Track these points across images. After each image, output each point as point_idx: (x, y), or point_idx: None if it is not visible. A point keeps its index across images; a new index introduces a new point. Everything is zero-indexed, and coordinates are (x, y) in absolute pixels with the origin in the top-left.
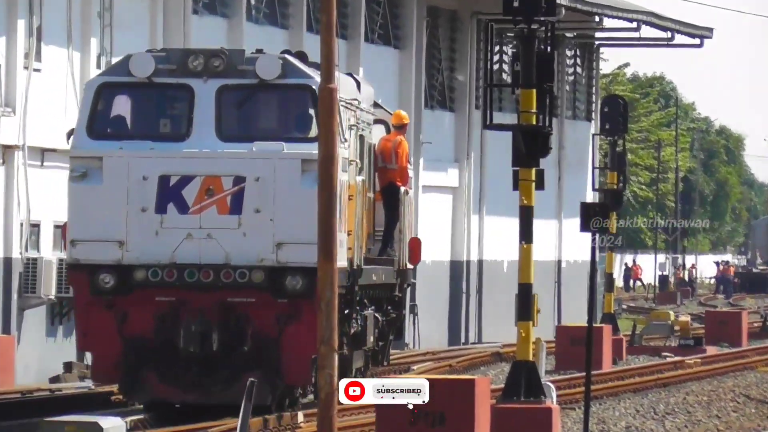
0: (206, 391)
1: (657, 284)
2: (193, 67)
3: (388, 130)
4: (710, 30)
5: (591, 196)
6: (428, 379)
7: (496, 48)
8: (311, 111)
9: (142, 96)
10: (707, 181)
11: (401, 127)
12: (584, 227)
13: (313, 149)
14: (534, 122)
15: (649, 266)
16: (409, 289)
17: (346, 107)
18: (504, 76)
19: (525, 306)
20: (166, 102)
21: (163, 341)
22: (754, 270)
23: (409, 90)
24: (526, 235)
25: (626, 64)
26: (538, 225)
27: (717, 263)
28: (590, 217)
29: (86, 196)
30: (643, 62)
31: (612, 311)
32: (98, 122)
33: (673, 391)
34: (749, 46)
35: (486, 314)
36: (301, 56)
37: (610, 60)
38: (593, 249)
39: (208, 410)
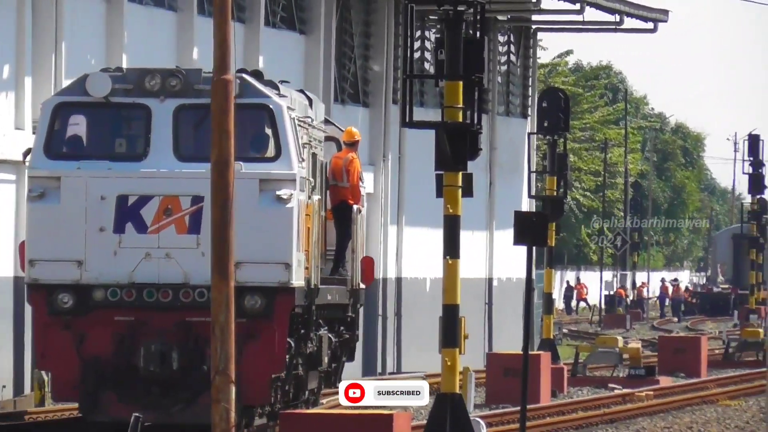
0: (166, 412)
1: (603, 305)
2: (149, 87)
3: (339, 147)
4: (665, 12)
5: (527, 205)
6: (339, 415)
7: (417, 33)
8: (268, 130)
9: (99, 116)
10: (662, 187)
11: (353, 144)
12: (519, 240)
13: (271, 168)
14: (461, 119)
15: (595, 284)
16: (361, 309)
17: (300, 125)
18: (426, 66)
19: (450, 331)
20: (124, 122)
21: (123, 361)
22: (715, 289)
23: (317, 82)
24: (451, 248)
25: (568, 53)
26: (466, 237)
27: (663, 281)
28: (525, 228)
29: (44, 215)
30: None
31: (551, 336)
32: (55, 142)
33: (622, 428)
34: (709, 31)
35: (406, 340)
36: (257, 75)
37: (549, 48)
38: (529, 264)
39: (167, 430)
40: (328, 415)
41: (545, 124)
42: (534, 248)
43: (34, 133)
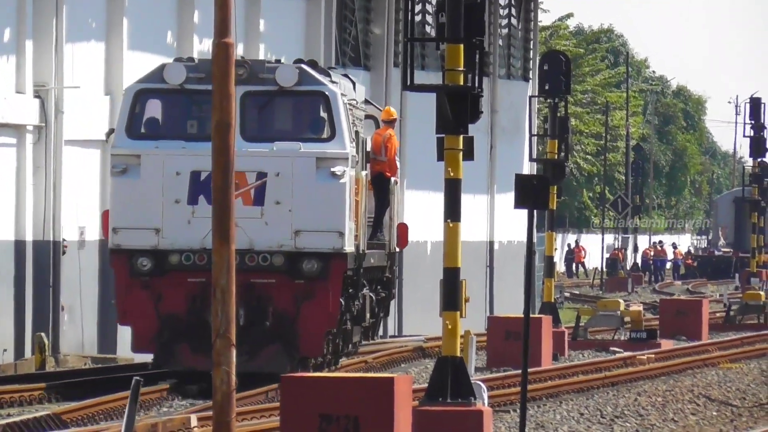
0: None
1: (604, 269)
2: None
3: (377, 125)
4: None
5: (528, 168)
6: (340, 378)
7: None
8: (324, 114)
9: (174, 101)
10: (663, 151)
11: (390, 122)
12: (520, 203)
13: (326, 148)
14: (462, 82)
15: (596, 248)
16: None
17: (350, 108)
18: (427, 29)
19: (451, 294)
20: (196, 106)
21: (195, 317)
22: (717, 252)
23: (318, 45)
24: (452, 212)
25: (569, 15)
26: (467, 201)
27: (654, 244)
28: (526, 191)
29: (126, 189)
30: (588, 13)
31: (552, 300)
32: (135, 124)
33: (623, 391)
34: None
35: (407, 304)
36: (312, 64)
37: (550, 10)
38: (530, 228)
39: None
40: (329, 379)
41: (546, 87)
42: (535, 212)
43: (35, 96)
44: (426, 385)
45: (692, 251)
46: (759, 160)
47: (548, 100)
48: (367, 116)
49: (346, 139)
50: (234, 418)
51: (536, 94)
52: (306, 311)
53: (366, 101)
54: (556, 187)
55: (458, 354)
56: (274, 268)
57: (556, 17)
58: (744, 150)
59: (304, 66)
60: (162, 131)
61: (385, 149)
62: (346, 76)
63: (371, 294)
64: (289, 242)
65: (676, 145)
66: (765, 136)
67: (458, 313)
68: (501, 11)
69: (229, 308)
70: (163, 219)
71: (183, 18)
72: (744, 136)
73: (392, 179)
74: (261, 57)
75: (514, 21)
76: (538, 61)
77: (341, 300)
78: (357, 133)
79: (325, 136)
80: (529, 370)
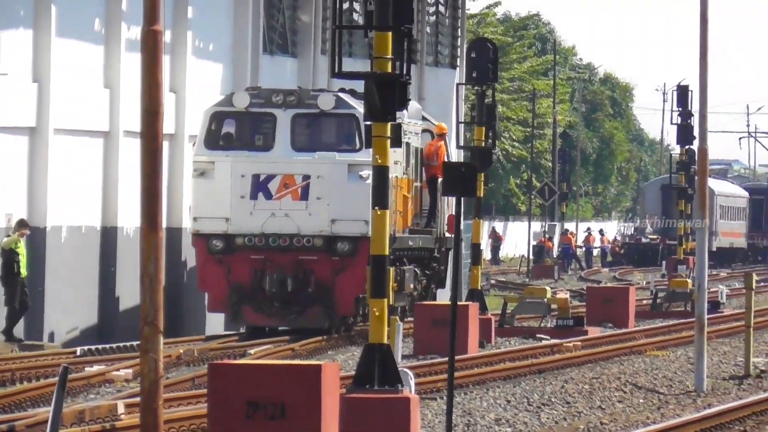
0: (284, 319)
1: (531, 256)
2: (275, 101)
3: (432, 137)
4: None
5: (455, 155)
6: (267, 366)
7: None
8: (355, 131)
9: (241, 120)
10: (590, 138)
11: (441, 135)
12: (448, 190)
13: (356, 157)
14: (390, 70)
15: (523, 235)
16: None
17: None
18: (355, 16)
19: (378, 281)
20: (258, 124)
21: (256, 285)
22: (644, 240)
23: (245, 32)
24: (380, 199)
25: (497, 3)
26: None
27: (566, 231)
28: (454, 178)
29: (203, 187)
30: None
31: (479, 287)
32: (211, 138)
33: (550, 378)
34: None
35: None
36: (353, 93)
37: None
38: (457, 215)
39: (286, 332)
40: (256, 366)
41: (474, 75)
42: (462, 199)
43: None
44: (353, 372)
45: (618, 239)
46: (686, 147)
47: (475, 88)
48: (424, 130)
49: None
50: (161, 404)
51: (464, 81)
52: (340, 281)
53: (423, 118)
54: (483, 174)
55: (385, 341)
56: (315, 248)
57: (484, 5)
58: (671, 137)
59: (340, 94)
60: (231, 143)
61: (436, 156)
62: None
63: (416, 269)
64: (327, 228)
65: (603, 132)
66: (692, 123)
67: (385, 300)
68: None
69: (157, 296)
70: (231, 210)
71: (111, 5)
72: (671, 123)
73: (439, 180)
74: (189, 44)
75: (441, 9)
76: (465, 49)
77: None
78: (408, 144)
79: (355, 147)
80: (456, 357)
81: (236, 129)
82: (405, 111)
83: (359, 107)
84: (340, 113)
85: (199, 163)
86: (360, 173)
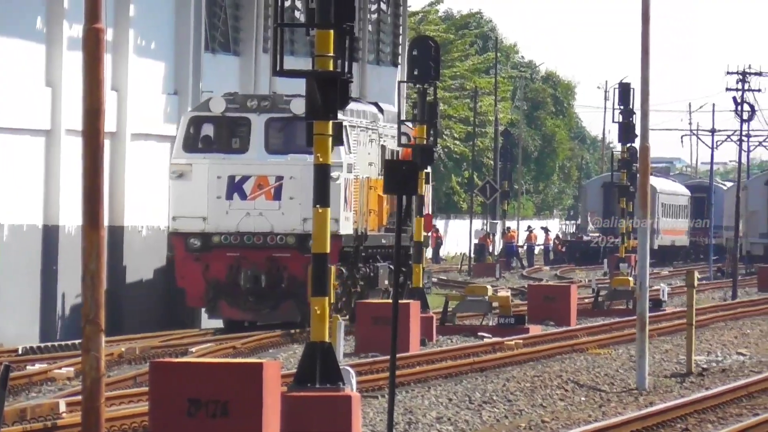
0: (258, 313)
1: (473, 254)
2: (250, 106)
3: (409, 140)
4: None
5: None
6: (209, 364)
7: None
8: None
9: (217, 124)
10: (532, 136)
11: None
12: (389, 188)
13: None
14: (331, 68)
15: (464, 233)
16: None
17: (367, 129)
18: (297, 14)
19: (320, 279)
20: (233, 128)
21: (232, 281)
22: (585, 238)
23: (187, 31)
24: (321, 197)
25: (439, 1)
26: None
27: (508, 229)
28: (396, 176)
29: (182, 188)
30: None
31: (421, 285)
32: (190, 141)
33: (492, 376)
34: None
35: None
36: None
37: None
38: (399, 212)
39: (259, 326)
40: (198, 364)
41: (415, 73)
42: (404, 197)
43: None
44: (295, 370)
45: (560, 237)
46: (628, 145)
47: (417, 86)
48: (403, 133)
49: (342, 152)
50: (103, 403)
51: (405, 79)
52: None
53: (402, 121)
54: (425, 172)
55: (327, 339)
56: (288, 246)
57: (426, 2)
58: (613, 135)
59: None
60: (208, 146)
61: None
62: (375, 104)
63: (389, 266)
64: (299, 226)
65: (545, 130)
66: (633, 121)
67: (327, 298)
68: None
69: (98, 294)
70: (208, 210)
71: (53, 3)
72: (613, 121)
73: None
74: (131, 42)
75: (383, 6)
76: (407, 47)
77: (342, 269)
78: (383, 146)
79: None
80: (398, 355)
81: (213, 133)
82: (381, 115)
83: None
84: None
85: (178, 166)
86: (330, 174)
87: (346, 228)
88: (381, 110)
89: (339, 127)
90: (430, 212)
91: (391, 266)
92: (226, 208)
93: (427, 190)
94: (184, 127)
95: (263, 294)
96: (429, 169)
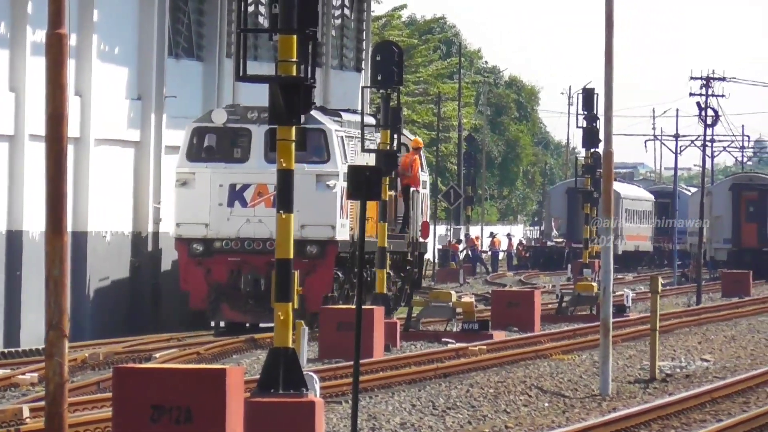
0: (258, 315)
1: (436, 260)
2: (250, 117)
3: (407, 150)
4: None
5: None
6: (172, 370)
7: None
8: (323, 144)
9: (219, 135)
10: (495, 142)
11: (417, 149)
12: (353, 194)
13: (323, 168)
14: (294, 73)
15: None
16: (421, 256)
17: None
18: (260, 19)
19: (283, 285)
20: (234, 138)
21: (233, 285)
22: (549, 243)
23: (151, 36)
24: (284, 203)
25: (402, 6)
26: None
27: (467, 236)
28: (359, 182)
29: (185, 196)
30: (421, 3)
31: (384, 291)
32: (193, 151)
33: (455, 382)
34: None
35: None
36: (323, 109)
37: (383, 1)
38: (361, 219)
39: (259, 329)
40: (161, 370)
41: (379, 78)
42: (367, 202)
43: None
44: (258, 376)
45: (524, 242)
46: (592, 150)
47: (381, 91)
48: (401, 144)
49: (338, 161)
50: (66, 408)
51: (369, 84)
52: (309, 281)
53: (366, 125)
54: (388, 178)
55: (290, 345)
56: None
57: (389, 8)
58: (577, 141)
59: (313, 111)
60: (210, 156)
61: (411, 168)
62: (373, 115)
63: (390, 271)
64: (297, 233)
65: (508, 135)
66: (597, 126)
67: (290, 304)
68: (334, 2)
69: (62, 299)
70: (210, 217)
71: (17, 8)
72: (577, 126)
73: (412, 189)
74: (94, 47)
75: (347, 11)
76: (370, 52)
77: (338, 273)
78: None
79: (323, 159)
80: (362, 361)
81: (215, 143)
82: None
83: (328, 123)
84: (309, 128)
85: (182, 174)
86: (327, 183)
87: (343, 234)
88: (378, 121)
89: (302, 133)
90: (425, 220)
91: (391, 271)
92: (227, 215)
93: (424, 197)
94: (187, 138)
95: (263, 297)
96: (427, 177)
